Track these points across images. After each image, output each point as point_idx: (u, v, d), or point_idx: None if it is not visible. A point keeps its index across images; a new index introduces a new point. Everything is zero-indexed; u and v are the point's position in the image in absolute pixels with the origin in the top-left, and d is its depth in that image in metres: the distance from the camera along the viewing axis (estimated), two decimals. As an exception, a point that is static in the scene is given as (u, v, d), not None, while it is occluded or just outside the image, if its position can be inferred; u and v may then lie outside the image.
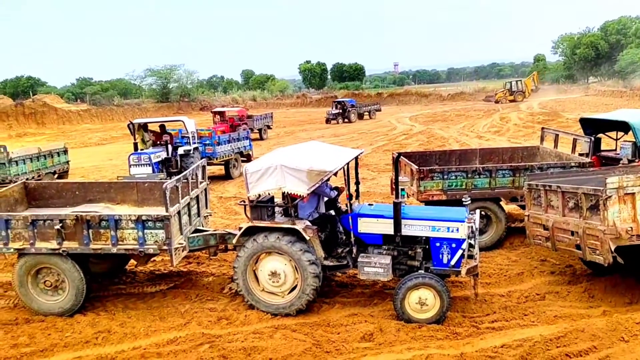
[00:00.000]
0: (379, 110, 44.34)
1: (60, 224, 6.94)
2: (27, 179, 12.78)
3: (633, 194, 6.28)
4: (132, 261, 8.48)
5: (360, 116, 41.89)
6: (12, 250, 7.10)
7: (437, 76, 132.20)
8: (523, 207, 8.49)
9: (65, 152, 17.98)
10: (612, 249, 6.28)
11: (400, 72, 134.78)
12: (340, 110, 39.94)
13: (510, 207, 10.41)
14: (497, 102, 49.49)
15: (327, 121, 38.95)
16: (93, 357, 6.02)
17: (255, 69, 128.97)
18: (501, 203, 9.52)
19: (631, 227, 6.27)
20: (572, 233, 6.88)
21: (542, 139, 11.55)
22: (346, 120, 39.39)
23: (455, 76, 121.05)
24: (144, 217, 6.94)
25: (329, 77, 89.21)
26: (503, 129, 28.53)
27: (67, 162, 18.05)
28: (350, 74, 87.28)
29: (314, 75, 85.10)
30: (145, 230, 6.94)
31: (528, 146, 12.55)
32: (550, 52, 77.45)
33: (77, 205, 8.49)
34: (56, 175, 16.96)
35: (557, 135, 11.08)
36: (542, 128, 12.19)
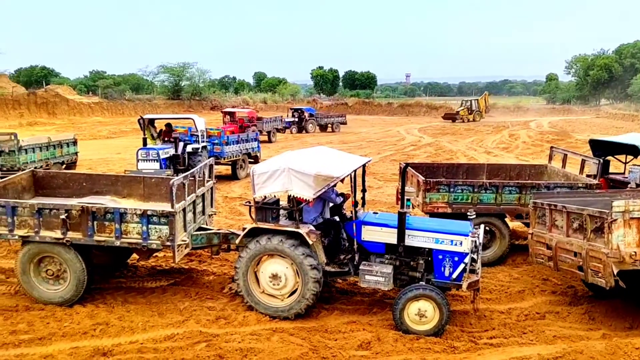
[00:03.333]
0: (344, 123, 40.46)
1: (66, 214, 6.99)
2: (35, 168, 12.87)
3: (639, 218, 6.25)
4: (134, 255, 8.52)
5: (323, 128, 38.73)
6: (16, 237, 7.15)
7: (449, 89, 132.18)
8: (527, 225, 8.47)
9: (75, 143, 18.10)
10: (615, 273, 6.25)
11: (411, 83, 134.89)
12: (297, 119, 36.60)
13: (515, 224, 10.37)
14: (460, 120, 47.79)
15: (279, 130, 33.22)
16: (90, 348, 6.04)
17: (268, 71, 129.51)
18: (506, 219, 9.49)
19: (635, 252, 6.24)
20: (575, 254, 6.86)
21: (550, 158, 11.51)
22: (302, 130, 35.96)
23: (467, 90, 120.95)
24: (149, 212, 6.97)
25: (341, 84, 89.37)
26: (512, 145, 28.47)
27: (76, 153, 18.18)
28: (362, 82, 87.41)
29: (325, 81, 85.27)
30: (150, 225, 6.97)
31: (536, 164, 12.53)
32: (563, 72, 77.26)
33: (83, 196, 8.54)
34: (64, 166, 17.08)
35: (565, 155, 11.05)
36: (551, 147, 12.15)
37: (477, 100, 52.14)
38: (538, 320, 7.11)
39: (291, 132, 35.57)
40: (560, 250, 7.11)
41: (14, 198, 7.84)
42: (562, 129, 38.01)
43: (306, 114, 37.14)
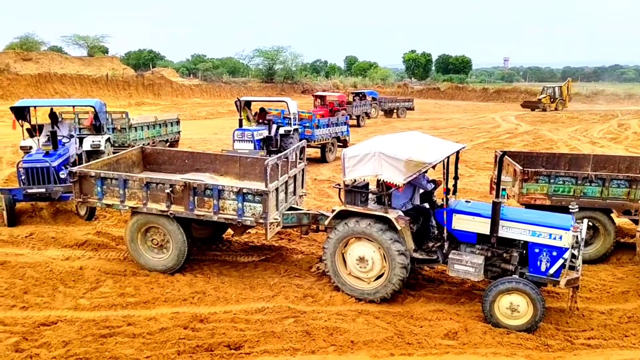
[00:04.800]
0: (411, 108, 37.65)
1: (170, 189, 7.49)
2: (143, 145, 13.90)
3: None
4: (229, 231, 8.97)
5: (388, 113, 36.53)
6: (127, 207, 7.78)
7: (552, 74, 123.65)
8: (636, 222, 7.82)
9: (178, 122, 19.26)
10: None
11: (510, 67, 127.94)
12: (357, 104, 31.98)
13: (622, 221, 9.60)
14: (540, 109, 42.92)
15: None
16: (189, 314, 6.49)
17: (359, 55, 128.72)
18: (612, 215, 8.81)
19: None
20: (693, 256, 6.24)
21: (667, 151, 10.48)
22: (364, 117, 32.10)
23: (572, 76, 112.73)
24: (244, 190, 7.28)
25: (433, 68, 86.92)
26: (621, 136, 26.17)
27: (179, 132, 19.34)
28: (456, 67, 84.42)
29: (417, 66, 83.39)
30: (245, 203, 7.29)
31: (649, 157, 11.44)
32: (687, 55, 69.39)
33: (185, 172, 9.11)
34: (168, 144, 18.24)
35: (686, 148, 10.00)
36: (669, 138, 11.04)
37: (561, 87, 46.46)
38: (643, 325, 6.58)
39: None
40: (674, 251, 6.50)
41: (125, 172, 8.54)
42: (682, 119, 34.27)
43: (369, 98, 33.78)
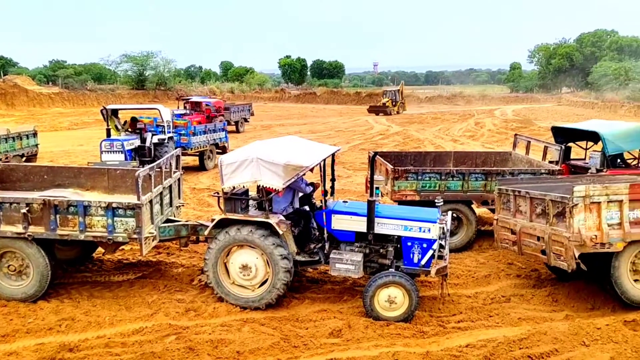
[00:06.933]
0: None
1: (27, 208, 6.77)
2: (-7, 161, 12.41)
3: (599, 203, 6.47)
4: (100, 249, 8.34)
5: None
6: (-26, 232, 6.88)
7: (416, 78, 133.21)
8: (493, 211, 8.66)
9: (35, 135, 17.54)
10: (576, 256, 6.46)
11: (379, 72, 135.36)
12: (189, 112, 26.47)
13: (481, 210, 10.59)
14: (388, 113, 42.08)
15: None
16: (56, 344, 5.88)
17: (235, 61, 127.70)
18: (472, 206, 9.68)
19: (595, 235, 6.46)
20: (538, 238, 7.05)
21: (514, 145, 11.79)
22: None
23: (433, 79, 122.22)
24: (114, 205, 6.82)
25: (309, 73, 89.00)
26: (477, 134, 28.98)
27: (36, 145, 17.62)
28: (330, 72, 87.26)
29: (293, 71, 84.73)
30: (115, 218, 6.83)
31: (501, 151, 12.80)
32: (527, 60, 78.89)
33: (45, 189, 8.28)
34: (24, 158, 16.53)
35: (529, 142, 11.33)
36: (515, 135, 12.44)
37: (399, 90, 45.92)
38: (503, 304, 7.30)
39: None
40: (524, 235, 7.30)
41: (-30, 192, 7.54)
42: (526, 117, 38.89)
43: (203, 105, 28.00)
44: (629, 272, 6.76)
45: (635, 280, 6.83)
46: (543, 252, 7.01)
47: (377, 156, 9.58)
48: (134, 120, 15.57)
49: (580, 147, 11.52)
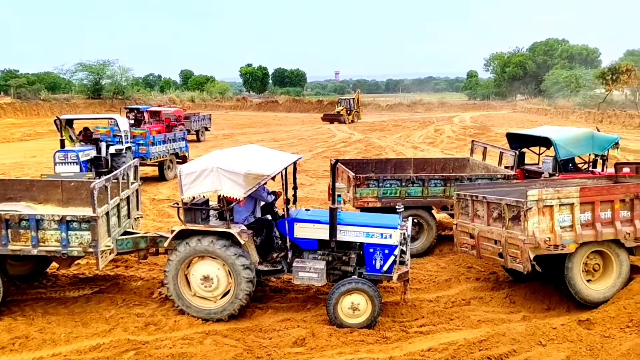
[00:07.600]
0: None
1: (-25, 223, 6.46)
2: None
3: (551, 206, 6.70)
4: (54, 264, 8.04)
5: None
6: None
7: (377, 86, 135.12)
8: (452, 216, 8.83)
9: (-16, 146, 16.80)
10: (531, 258, 6.66)
11: (341, 80, 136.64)
12: (133, 120, 25.58)
13: (441, 216, 10.78)
14: (343, 121, 41.21)
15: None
16: (7, 365, 5.64)
17: (195, 69, 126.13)
18: (433, 211, 9.85)
19: (549, 238, 6.68)
20: (496, 242, 7.24)
21: (472, 151, 12.08)
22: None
23: (394, 87, 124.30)
24: (68, 218, 6.61)
25: (270, 81, 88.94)
26: (437, 140, 29.58)
27: (-14, 157, 16.88)
28: (292, 80, 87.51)
29: (255, 79, 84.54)
30: (70, 232, 6.62)
31: (459, 157, 13.10)
32: (483, 69, 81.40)
33: (-6, 203, 7.94)
34: (-28, 171, 15.81)
35: (485, 148, 11.63)
36: (472, 141, 12.75)
37: (354, 99, 45.52)
38: (464, 307, 7.44)
39: None
40: (482, 238, 7.47)
41: None
42: (483, 124, 40.03)
43: (146, 115, 26.18)
44: (582, 273, 7.03)
45: (588, 280, 7.10)
46: (500, 255, 7.19)
47: (339, 164, 9.65)
48: (85, 130, 15.14)
49: (534, 152, 11.91)
